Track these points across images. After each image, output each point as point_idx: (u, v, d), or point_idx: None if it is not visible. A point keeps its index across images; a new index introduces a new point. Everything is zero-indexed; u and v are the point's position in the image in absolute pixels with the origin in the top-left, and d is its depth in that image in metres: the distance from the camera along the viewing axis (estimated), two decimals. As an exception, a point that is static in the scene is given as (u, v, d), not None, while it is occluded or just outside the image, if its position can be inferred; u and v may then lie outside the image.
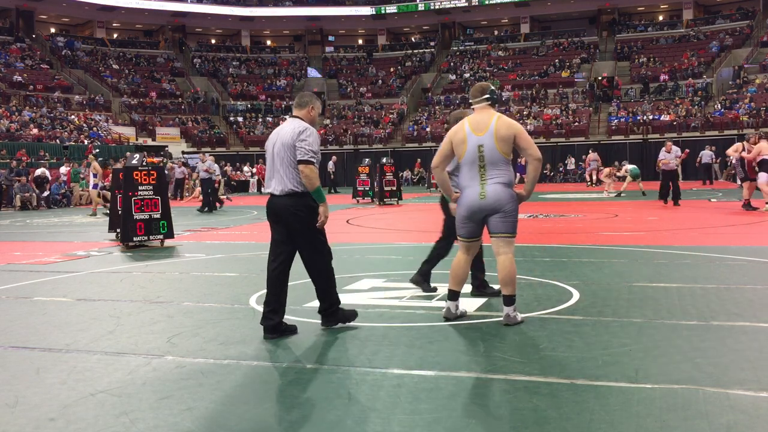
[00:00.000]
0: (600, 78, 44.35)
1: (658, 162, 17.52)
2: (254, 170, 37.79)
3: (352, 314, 5.10)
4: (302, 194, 4.73)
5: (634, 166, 22.31)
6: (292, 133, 4.74)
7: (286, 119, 4.97)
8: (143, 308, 5.94)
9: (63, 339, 4.91)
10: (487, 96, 5.03)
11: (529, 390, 3.57)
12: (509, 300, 4.95)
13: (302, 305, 5.84)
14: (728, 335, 4.54)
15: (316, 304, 5.82)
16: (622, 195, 21.76)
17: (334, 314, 5.02)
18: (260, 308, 5.75)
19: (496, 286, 5.75)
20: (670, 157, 16.91)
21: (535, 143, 5.13)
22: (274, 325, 4.81)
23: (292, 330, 4.92)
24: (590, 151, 31.18)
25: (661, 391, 3.52)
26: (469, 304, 5.69)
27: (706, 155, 27.97)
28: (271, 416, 3.33)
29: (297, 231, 4.79)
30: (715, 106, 38.72)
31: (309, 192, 4.73)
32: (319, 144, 4.80)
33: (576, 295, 5.97)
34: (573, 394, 3.50)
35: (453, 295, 5.18)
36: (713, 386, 3.54)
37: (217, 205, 20.23)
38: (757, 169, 14.62)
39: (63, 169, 25.97)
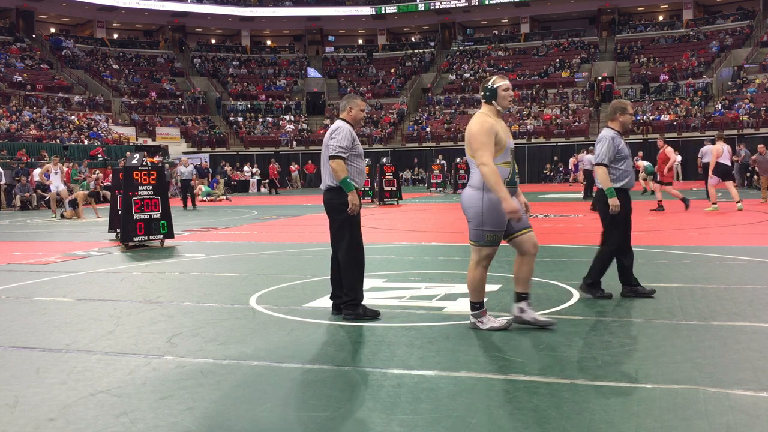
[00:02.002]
0: (600, 78, 44.37)
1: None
2: (254, 170, 37.79)
3: (373, 313, 5.33)
4: (337, 189, 5.27)
5: (649, 163, 21.84)
6: (329, 134, 5.36)
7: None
8: (143, 308, 5.94)
9: (63, 339, 4.91)
10: (482, 93, 4.89)
11: (529, 390, 3.57)
12: (471, 306, 4.87)
13: (302, 305, 5.84)
14: (728, 335, 4.54)
15: (317, 304, 5.85)
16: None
17: (351, 308, 5.28)
18: (260, 308, 5.76)
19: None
20: (588, 159, 16.30)
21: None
22: (336, 304, 5.42)
23: (370, 315, 5.28)
24: (584, 152, 30.98)
25: (661, 391, 3.52)
26: (469, 304, 5.69)
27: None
28: (271, 416, 3.33)
29: (330, 221, 5.38)
30: (715, 106, 38.73)
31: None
32: (350, 139, 5.28)
33: (576, 295, 5.97)
34: (573, 394, 3.50)
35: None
36: (713, 386, 3.54)
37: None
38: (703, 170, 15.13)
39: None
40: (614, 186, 5.80)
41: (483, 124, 4.68)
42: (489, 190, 4.59)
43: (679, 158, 28.37)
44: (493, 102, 4.80)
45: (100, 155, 31.53)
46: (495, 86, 4.79)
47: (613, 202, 5.74)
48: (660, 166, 15.39)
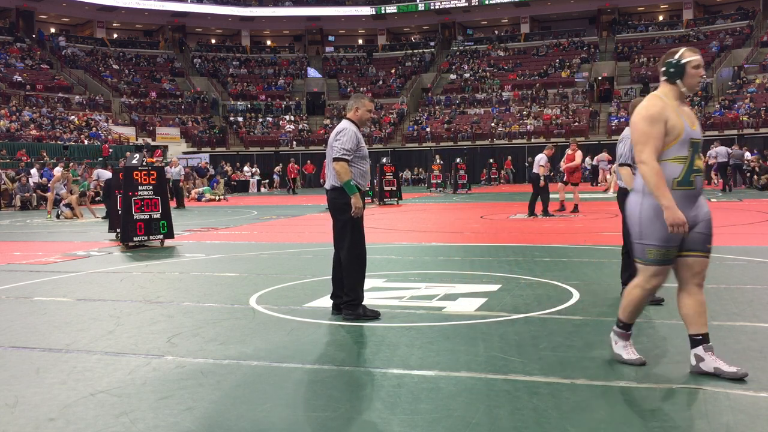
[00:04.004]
0: (600, 78, 44.38)
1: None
2: (254, 170, 37.79)
3: (373, 314, 5.30)
4: (341, 188, 5.25)
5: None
6: (334, 135, 5.35)
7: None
8: (143, 308, 5.94)
9: (63, 339, 4.91)
10: (664, 69, 3.83)
11: (529, 390, 3.57)
12: (619, 323, 4.03)
13: (302, 305, 5.84)
14: (728, 335, 4.54)
15: (317, 304, 5.85)
16: None
17: (351, 308, 5.27)
18: (260, 308, 5.76)
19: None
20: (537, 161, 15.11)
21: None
22: (336, 304, 5.40)
23: (371, 315, 5.27)
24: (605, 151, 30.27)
25: (661, 391, 3.52)
26: (469, 304, 5.69)
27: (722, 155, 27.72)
28: (271, 416, 3.33)
29: (333, 220, 5.39)
30: (715, 106, 38.72)
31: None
32: (355, 141, 5.28)
33: (576, 295, 5.97)
34: (573, 394, 3.50)
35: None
36: (713, 386, 3.54)
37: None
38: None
39: (58, 170, 25.93)
40: None
41: (647, 110, 3.71)
42: (647, 193, 3.73)
43: (588, 160, 27.94)
44: (678, 81, 3.77)
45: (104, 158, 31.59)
46: (683, 61, 3.74)
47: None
48: (568, 167, 15.40)
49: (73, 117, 37.80)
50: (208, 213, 19.32)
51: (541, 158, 14.61)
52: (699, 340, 3.79)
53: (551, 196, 15.22)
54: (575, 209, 15.30)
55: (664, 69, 3.82)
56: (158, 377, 3.96)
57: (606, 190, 23.49)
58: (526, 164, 36.48)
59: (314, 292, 6.38)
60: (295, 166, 34.15)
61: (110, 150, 32.11)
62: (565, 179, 15.62)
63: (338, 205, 5.30)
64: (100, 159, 31.20)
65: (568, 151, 15.46)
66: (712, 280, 6.55)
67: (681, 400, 3.37)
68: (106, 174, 18.03)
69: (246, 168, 38.10)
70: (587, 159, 30.60)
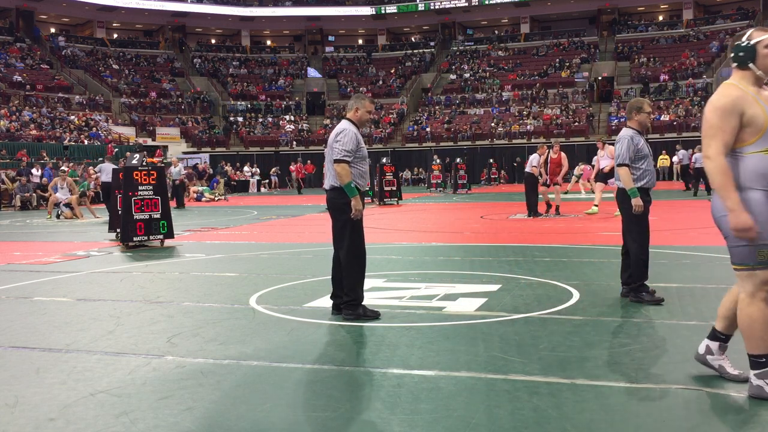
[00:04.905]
0: (600, 78, 44.38)
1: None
2: (254, 170, 37.81)
3: (373, 314, 5.30)
4: (340, 188, 5.25)
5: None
6: (334, 135, 5.33)
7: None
8: (143, 308, 5.94)
9: (63, 339, 4.91)
10: (732, 55, 3.51)
11: (529, 390, 3.57)
12: (752, 361, 3.40)
13: (302, 305, 5.84)
14: (728, 335, 4.53)
15: (317, 304, 5.85)
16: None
17: (351, 308, 5.27)
18: (260, 308, 5.76)
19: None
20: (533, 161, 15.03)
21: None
22: (336, 304, 5.40)
23: (371, 315, 5.27)
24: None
25: (661, 391, 3.53)
26: (469, 304, 5.69)
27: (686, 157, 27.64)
28: (271, 416, 3.33)
29: (333, 220, 5.37)
30: (715, 106, 38.68)
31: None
32: (355, 142, 5.28)
33: (576, 295, 5.97)
34: (573, 394, 3.50)
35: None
36: (713, 386, 3.54)
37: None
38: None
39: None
40: (635, 185, 5.63)
41: (719, 100, 3.38)
42: (745, 188, 3.34)
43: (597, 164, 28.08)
44: (750, 65, 3.41)
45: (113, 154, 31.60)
46: (753, 42, 3.39)
47: (637, 202, 5.55)
48: (554, 169, 15.38)
49: (73, 117, 37.79)
50: (208, 213, 19.32)
51: (534, 158, 14.83)
52: (720, 338, 3.64)
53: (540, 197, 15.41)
54: (556, 210, 15.30)
55: (733, 54, 3.48)
56: (158, 377, 3.96)
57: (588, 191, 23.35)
58: (515, 163, 36.66)
59: (314, 292, 6.38)
60: (301, 165, 34.26)
61: (115, 150, 32.15)
62: (550, 182, 15.59)
63: (338, 205, 5.30)
64: (100, 159, 31.20)
65: (553, 155, 15.42)
66: (712, 280, 6.56)
67: (681, 401, 3.37)
68: (109, 169, 17.96)
69: (246, 168, 38.11)
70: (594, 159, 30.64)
